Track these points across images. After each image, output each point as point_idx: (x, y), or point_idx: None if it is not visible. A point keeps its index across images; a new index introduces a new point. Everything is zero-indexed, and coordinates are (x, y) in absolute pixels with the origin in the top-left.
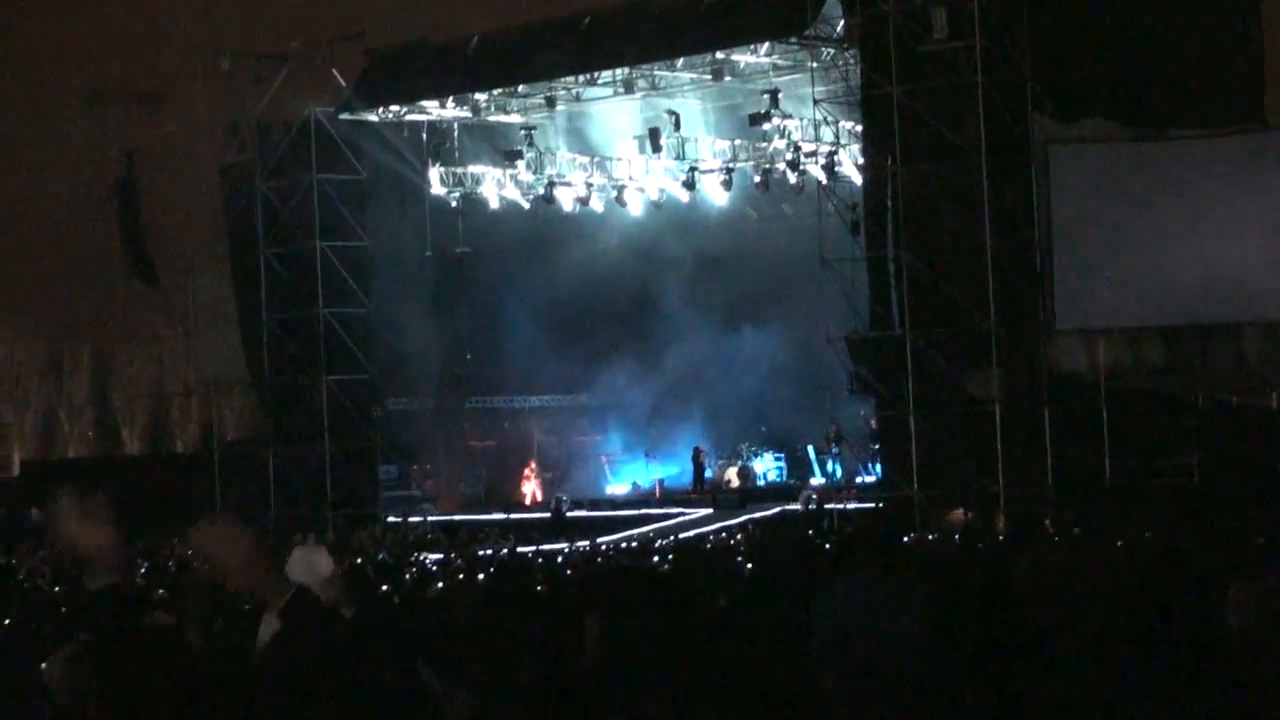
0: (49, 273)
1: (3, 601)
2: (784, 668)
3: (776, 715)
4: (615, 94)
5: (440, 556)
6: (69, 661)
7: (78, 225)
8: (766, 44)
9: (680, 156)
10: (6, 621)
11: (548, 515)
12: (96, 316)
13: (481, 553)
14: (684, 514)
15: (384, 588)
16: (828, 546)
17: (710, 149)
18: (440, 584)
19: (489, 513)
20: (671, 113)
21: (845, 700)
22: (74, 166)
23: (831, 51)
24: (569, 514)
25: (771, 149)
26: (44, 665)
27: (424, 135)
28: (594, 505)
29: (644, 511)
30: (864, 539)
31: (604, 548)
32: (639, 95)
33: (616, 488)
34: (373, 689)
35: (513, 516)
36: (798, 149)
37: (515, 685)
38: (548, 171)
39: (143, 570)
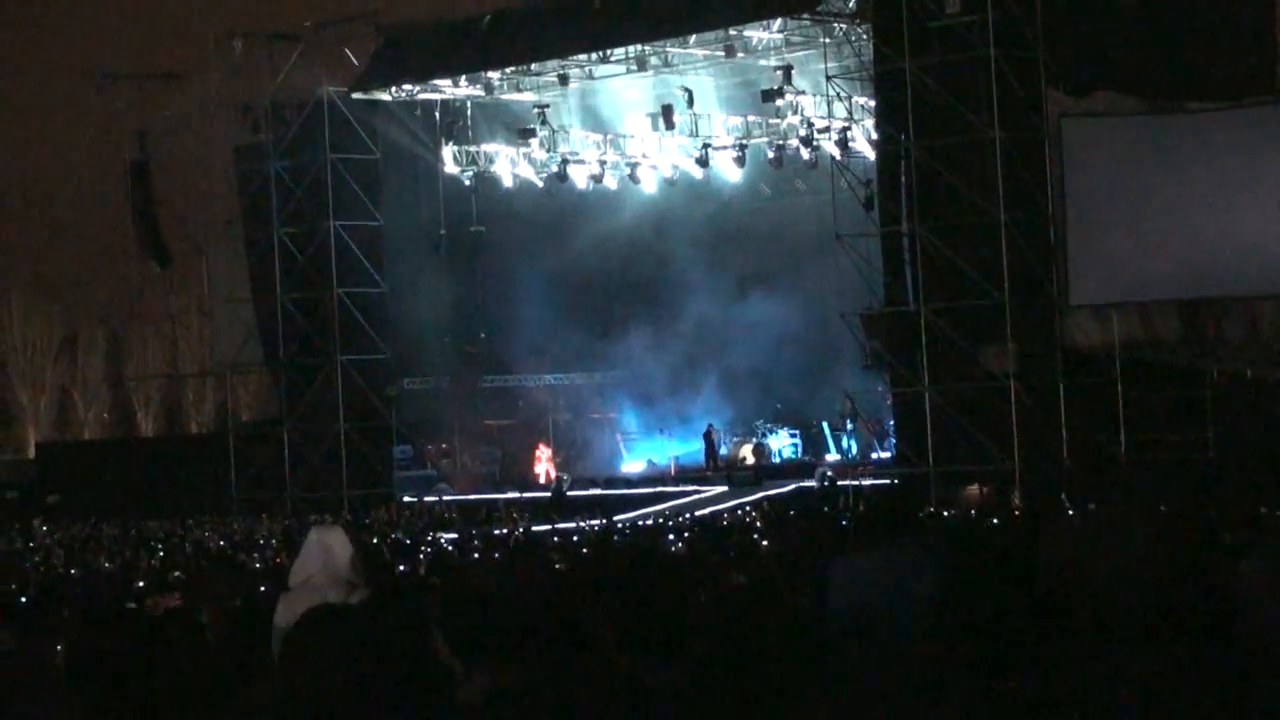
0: (63, 255)
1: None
2: (800, 644)
3: (792, 690)
4: (628, 71)
5: (455, 536)
6: (79, 645)
7: (91, 207)
8: (779, 20)
9: (694, 133)
10: (24, 600)
11: (548, 494)
12: (110, 298)
13: (497, 532)
14: (699, 492)
15: (400, 567)
16: (844, 523)
17: (723, 125)
18: (456, 563)
19: (504, 492)
20: (685, 89)
21: (859, 674)
22: (87, 148)
23: (844, 27)
24: (570, 493)
25: (784, 125)
26: (59, 648)
27: (437, 114)
28: (609, 483)
29: (659, 489)
30: (879, 514)
31: (620, 526)
32: (652, 72)
33: (631, 465)
34: (387, 667)
35: (526, 495)
36: (810, 125)
37: (531, 664)
38: (561, 149)
39: (160, 552)
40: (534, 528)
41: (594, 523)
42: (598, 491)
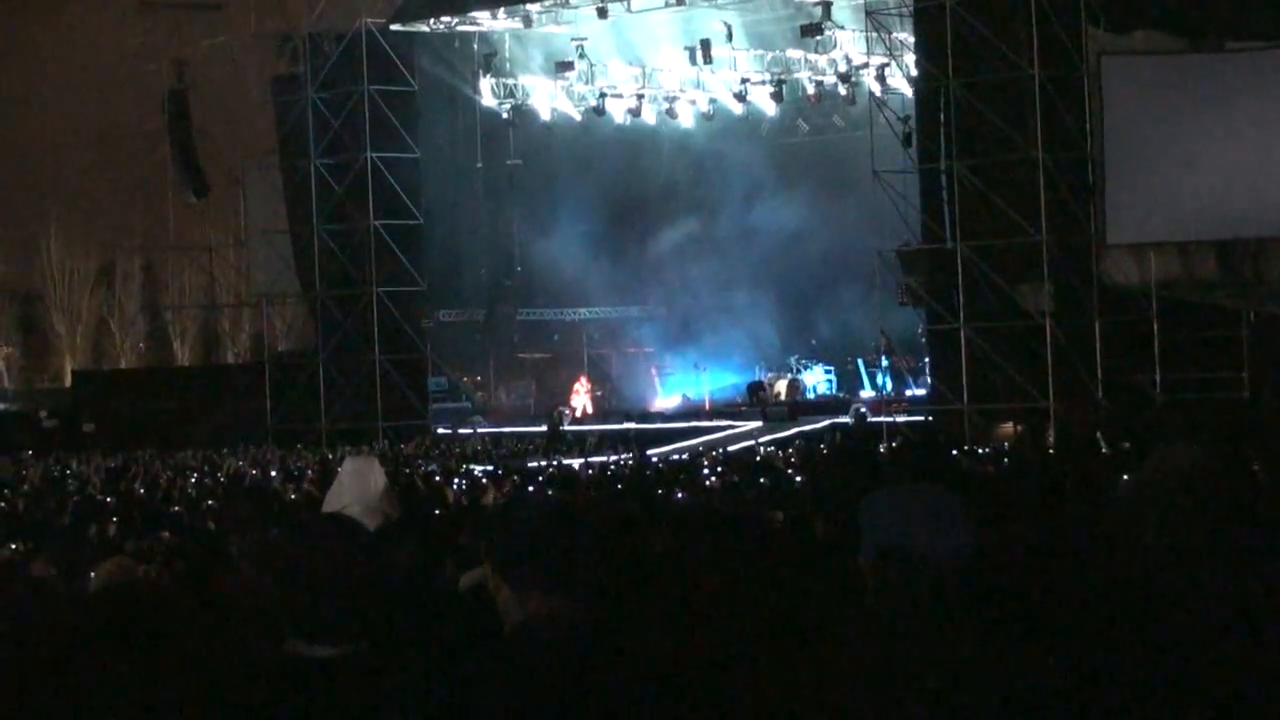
0: (100, 184)
1: (58, 510)
2: (833, 583)
3: (821, 631)
4: (667, 5)
5: (489, 468)
6: (114, 573)
7: (129, 137)
8: None
9: (732, 68)
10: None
11: (544, 428)
12: (148, 228)
13: (530, 464)
14: (733, 427)
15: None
16: (877, 460)
17: (762, 60)
18: (492, 495)
19: (539, 425)
20: (724, 24)
21: (893, 614)
22: (126, 77)
23: None
24: (566, 427)
25: (823, 61)
26: (92, 575)
27: (475, 46)
28: (643, 418)
29: (694, 424)
30: (912, 451)
31: (653, 460)
32: (690, 7)
33: (666, 400)
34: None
35: (562, 428)
36: (849, 61)
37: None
38: (599, 83)
39: (194, 480)
40: (566, 461)
41: (626, 456)
42: (634, 425)
